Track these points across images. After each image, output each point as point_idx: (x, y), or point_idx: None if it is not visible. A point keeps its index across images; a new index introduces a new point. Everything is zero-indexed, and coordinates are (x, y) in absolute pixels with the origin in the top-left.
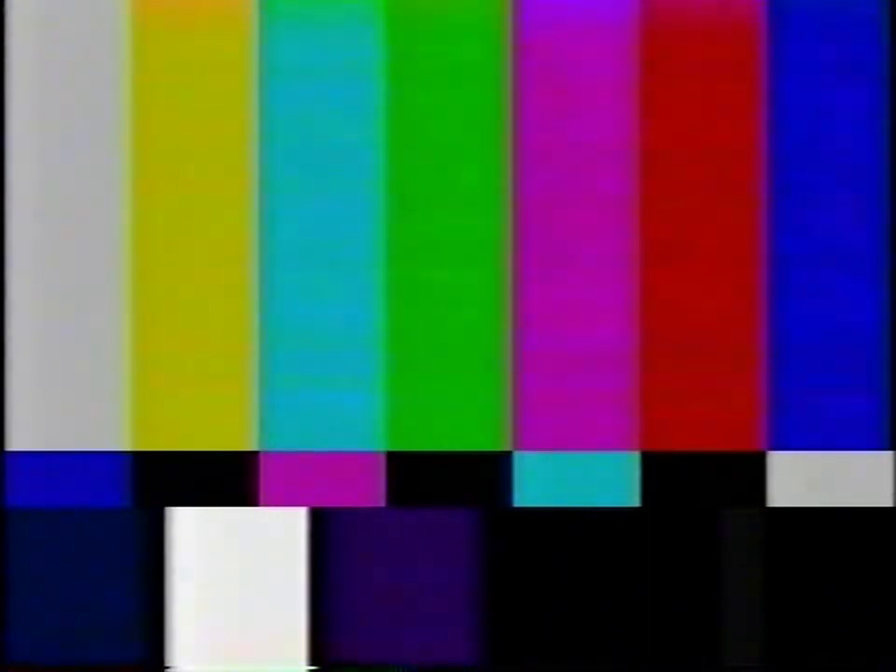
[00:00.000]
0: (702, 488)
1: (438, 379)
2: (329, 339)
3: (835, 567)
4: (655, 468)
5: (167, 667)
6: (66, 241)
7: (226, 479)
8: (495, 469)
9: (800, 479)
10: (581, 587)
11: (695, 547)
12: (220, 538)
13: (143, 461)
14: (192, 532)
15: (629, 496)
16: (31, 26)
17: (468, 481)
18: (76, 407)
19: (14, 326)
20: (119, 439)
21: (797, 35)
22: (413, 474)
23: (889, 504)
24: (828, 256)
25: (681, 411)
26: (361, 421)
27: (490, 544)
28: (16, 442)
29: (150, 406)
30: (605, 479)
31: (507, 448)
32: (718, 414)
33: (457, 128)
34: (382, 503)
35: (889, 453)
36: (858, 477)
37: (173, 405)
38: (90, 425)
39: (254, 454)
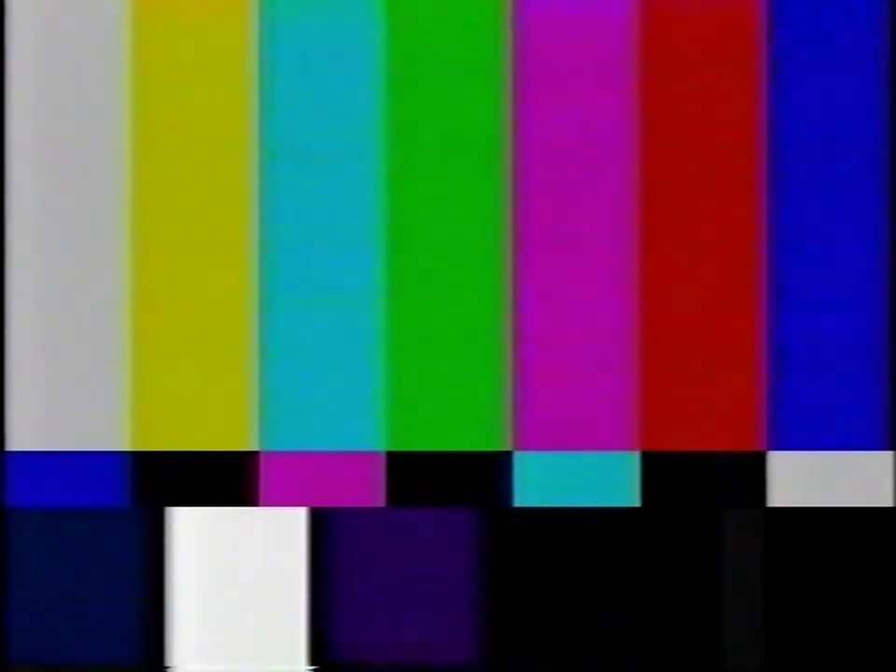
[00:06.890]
0: (702, 488)
1: (438, 379)
2: (329, 339)
3: (835, 567)
4: (655, 468)
5: (167, 667)
6: (67, 240)
7: (226, 479)
8: (495, 469)
9: (801, 476)
10: (580, 587)
11: (695, 547)
12: (220, 538)
13: (143, 461)
14: (192, 532)
15: (629, 496)
16: (31, 23)
17: (468, 481)
18: (76, 407)
19: (14, 325)
20: (119, 439)
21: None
22: (413, 474)
23: (889, 504)
24: (828, 255)
25: (681, 411)
26: (361, 421)
27: (490, 544)
28: (16, 442)
29: (150, 406)
30: (605, 479)
31: (507, 448)
32: (718, 414)
33: (457, 127)
34: (382, 503)
35: (889, 453)
36: (858, 477)
37: (173, 405)
38: (90, 425)
39: (254, 454)
